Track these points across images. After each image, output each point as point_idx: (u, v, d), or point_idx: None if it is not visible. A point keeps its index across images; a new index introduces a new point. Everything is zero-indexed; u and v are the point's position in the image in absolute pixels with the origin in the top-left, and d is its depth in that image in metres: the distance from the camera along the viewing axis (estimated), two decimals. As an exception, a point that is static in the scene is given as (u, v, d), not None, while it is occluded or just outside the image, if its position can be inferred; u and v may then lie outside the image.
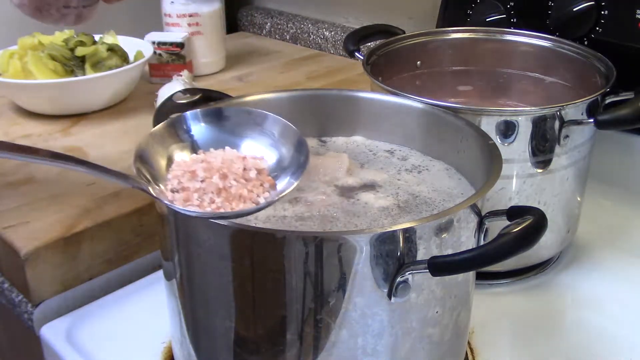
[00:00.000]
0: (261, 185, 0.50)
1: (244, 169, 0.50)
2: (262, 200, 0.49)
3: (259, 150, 0.53)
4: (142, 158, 0.50)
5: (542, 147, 0.66)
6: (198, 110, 0.55)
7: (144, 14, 1.27)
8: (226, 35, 1.28)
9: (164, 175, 0.51)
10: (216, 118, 0.55)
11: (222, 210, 0.47)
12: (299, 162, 0.51)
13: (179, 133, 0.54)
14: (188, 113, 0.55)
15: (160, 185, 0.50)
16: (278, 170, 0.52)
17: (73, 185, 0.80)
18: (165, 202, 0.48)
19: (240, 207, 0.48)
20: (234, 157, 0.51)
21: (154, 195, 0.48)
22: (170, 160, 0.52)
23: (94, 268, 0.74)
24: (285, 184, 0.51)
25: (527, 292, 0.72)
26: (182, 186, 0.49)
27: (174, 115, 0.62)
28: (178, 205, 0.47)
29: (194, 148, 0.54)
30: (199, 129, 0.54)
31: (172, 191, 0.49)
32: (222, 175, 0.49)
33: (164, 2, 1.16)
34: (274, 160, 0.53)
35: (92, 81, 0.99)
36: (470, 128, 0.60)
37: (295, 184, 0.50)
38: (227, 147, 0.53)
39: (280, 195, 0.49)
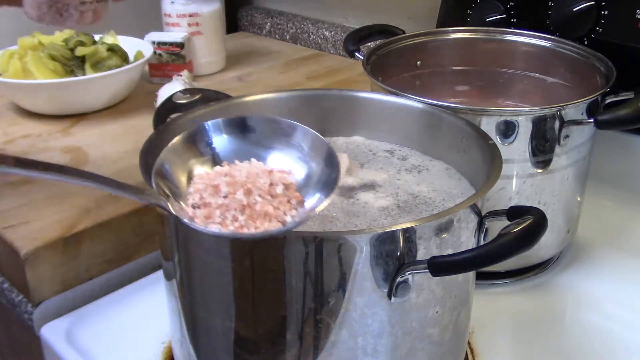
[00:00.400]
0: (288, 201, 0.46)
1: (270, 184, 0.47)
2: (288, 219, 0.45)
3: (286, 163, 0.50)
4: (160, 172, 0.48)
5: (542, 147, 0.66)
6: (220, 119, 0.52)
7: (144, 14, 1.27)
8: (226, 35, 1.28)
9: (183, 190, 0.48)
10: (239, 129, 0.51)
11: (245, 230, 0.44)
12: (329, 177, 0.48)
13: (199, 145, 0.50)
14: (209, 123, 0.51)
15: (180, 202, 0.47)
16: (307, 185, 0.48)
17: (73, 186, 0.79)
18: (185, 220, 0.45)
19: (265, 226, 0.44)
20: (260, 171, 0.48)
21: (173, 212, 0.45)
22: (190, 175, 0.49)
23: (94, 268, 0.74)
24: (315, 200, 0.47)
25: (527, 292, 0.72)
26: (203, 202, 0.46)
27: (173, 116, 0.61)
28: (199, 224, 0.44)
29: (216, 161, 0.50)
30: (220, 140, 0.51)
31: (193, 206, 0.46)
32: (247, 191, 0.45)
33: (164, 2, 1.16)
34: (303, 175, 0.49)
35: (92, 81, 0.99)
36: (470, 128, 0.60)
37: (327, 201, 0.46)
38: (252, 159, 0.50)
39: (310, 214, 0.46)
